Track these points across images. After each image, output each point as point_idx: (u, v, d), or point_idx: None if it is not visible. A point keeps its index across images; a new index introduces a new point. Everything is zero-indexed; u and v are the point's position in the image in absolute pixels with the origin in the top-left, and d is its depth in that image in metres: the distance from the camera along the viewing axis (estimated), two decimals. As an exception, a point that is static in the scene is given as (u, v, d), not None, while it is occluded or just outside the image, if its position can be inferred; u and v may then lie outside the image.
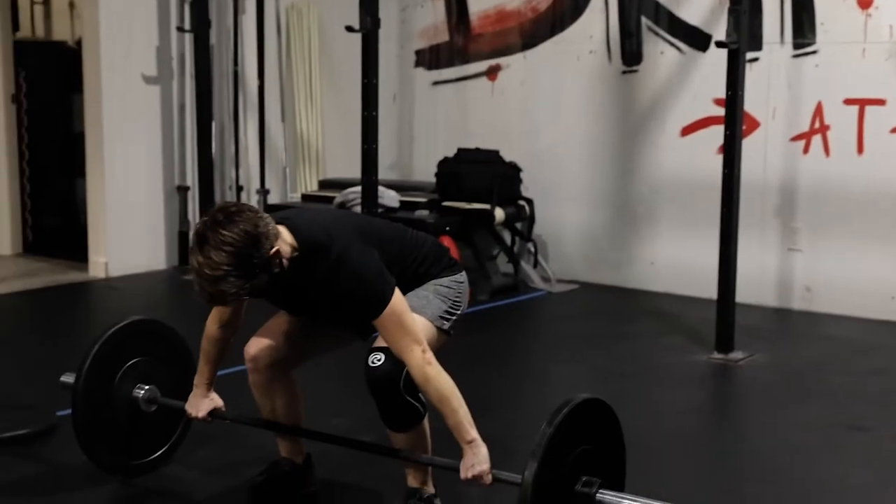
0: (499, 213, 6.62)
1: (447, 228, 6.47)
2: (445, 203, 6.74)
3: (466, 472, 2.89)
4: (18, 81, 7.46)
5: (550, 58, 6.97)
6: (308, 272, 2.94)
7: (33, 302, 6.41)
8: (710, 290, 5.51)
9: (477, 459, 2.88)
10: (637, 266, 6.76)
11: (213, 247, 2.72)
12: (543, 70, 7.01)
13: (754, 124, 6.14)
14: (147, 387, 3.48)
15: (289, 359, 3.29)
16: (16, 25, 7.64)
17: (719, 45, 5.13)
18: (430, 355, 2.90)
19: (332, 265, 2.92)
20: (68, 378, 3.45)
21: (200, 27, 7.01)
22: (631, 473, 2.99)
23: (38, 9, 8.56)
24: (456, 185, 6.84)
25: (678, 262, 6.56)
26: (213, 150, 7.19)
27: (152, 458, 3.59)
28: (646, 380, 4.98)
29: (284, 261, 2.87)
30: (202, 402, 3.35)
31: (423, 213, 6.63)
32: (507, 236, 6.97)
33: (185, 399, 3.38)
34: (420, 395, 3.01)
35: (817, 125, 6.07)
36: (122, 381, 3.45)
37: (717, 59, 5.71)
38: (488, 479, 2.88)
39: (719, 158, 5.32)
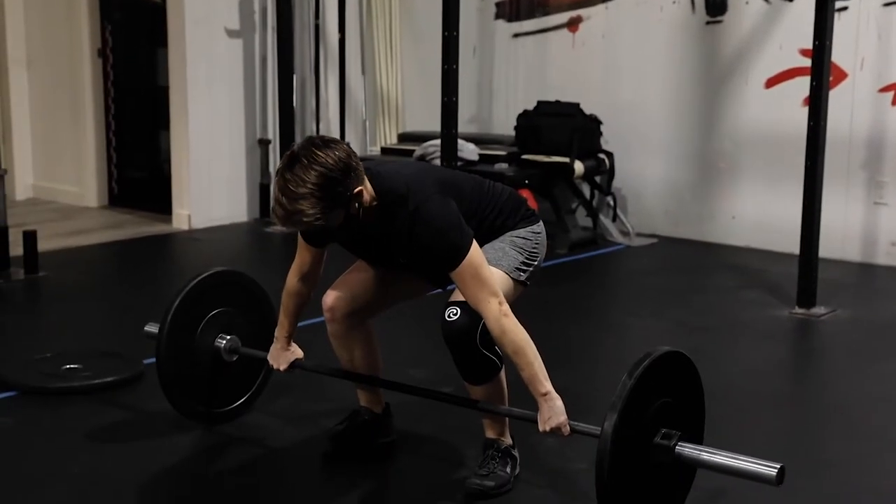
0: (578, 167, 6.58)
1: (526, 181, 6.45)
2: (525, 156, 6.72)
3: (545, 424, 2.90)
4: (104, 35, 7.57)
5: (632, 9, 6.87)
6: (386, 223, 2.97)
7: (119, 253, 6.54)
8: (792, 245, 5.43)
9: (553, 412, 2.90)
10: (718, 220, 6.68)
11: (305, 165, 2.76)
12: (625, 21, 6.91)
13: (842, 75, 6.01)
14: (229, 336, 3.54)
15: (366, 308, 3.31)
16: (101, -20, 7.73)
17: (806, -6, 5.02)
18: (506, 307, 2.91)
19: (410, 216, 2.93)
20: (152, 328, 3.52)
21: (282, -19, 7.04)
22: (711, 428, 2.98)
23: (123, -37, 8.67)
24: (535, 139, 6.80)
25: (760, 216, 6.47)
26: (295, 103, 7.24)
27: (234, 407, 3.66)
28: (726, 335, 4.94)
29: (364, 206, 2.89)
30: (283, 355, 3.40)
31: (503, 166, 6.62)
32: (586, 190, 6.93)
33: (267, 348, 3.44)
34: (496, 347, 3.03)
35: (907, 76, 5.92)
36: (204, 331, 3.51)
37: (803, 8, 5.58)
38: (566, 430, 2.90)
39: (804, 110, 5.22)
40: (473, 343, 3.00)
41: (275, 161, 7.30)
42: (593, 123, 6.82)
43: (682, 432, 2.79)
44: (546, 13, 7.23)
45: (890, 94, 5.96)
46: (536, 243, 3.21)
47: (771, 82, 6.37)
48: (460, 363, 3.06)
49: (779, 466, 2.68)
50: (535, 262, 3.20)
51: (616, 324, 5.25)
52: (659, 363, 2.76)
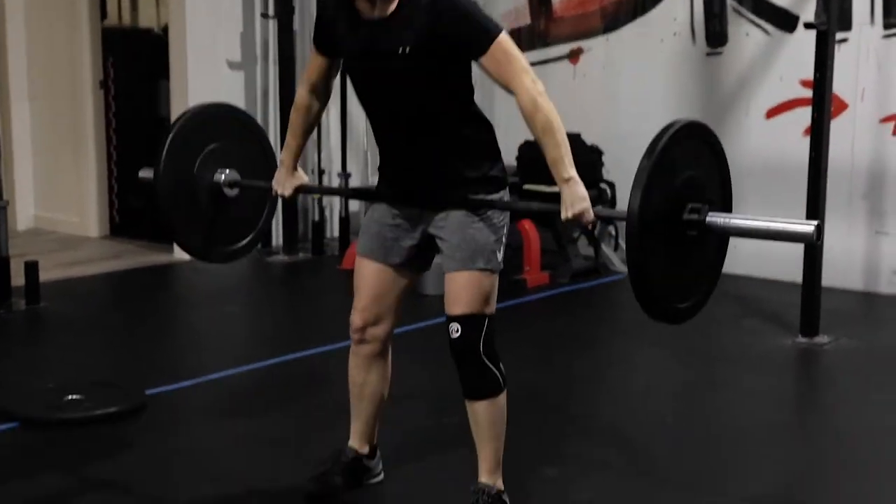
0: (580, 197, 6.57)
1: (528, 212, 6.45)
2: (526, 186, 6.72)
3: (567, 210, 2.84)
4: (106, 68, 7.59)
5: (633, 40, 6.90)
6: (406, 12, 2.90)
7: (119, 284, 6.52)
8: (794, 274, 5.42)
9: (576, 198, 2.84)
10: (720, 250, 6.66)
11: None
12: (626, 53, 6.94)
13: (842, 106, 6.02)
14: (228, 170, 3.40)
15: (390, 312, 3.24)
16: (104, 14, 7.76)
17: (808, 26, 5.04)
18: (540, 86, 2.90)
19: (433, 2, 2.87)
20: (147, 172, 3.39)
21: (284, 13, 7.06)
22: (718, 462, 2.95)
23: (126, -4, 8.71)
24: (537, 168, 6.74)
25: (762, 244, 6.41)
26: (296, 134, 7.23)
27: (241, 245, 3.55)
28: (730, 364, 4.92)
29: None
30: (288, 179, 3.30)
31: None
32: (588, 220, 6.91)
33: (267, 182, 3.34)
34: (500, 364, 3.06)
35: (908, 106, 5.94)
36: (202, 166, 3.37)
37: (804, 39, 5.60)
38: (590, 216, 2.84)
39: (806, 141, 5.23)
40: (478, 353, 3.04)
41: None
42: (594, 154, 6.83)
43: (710, 204, 2.72)
44: (546, 45, 7.25)
45: (891, 125, 5.97)
46: (504, 222, 3.13)
47: (771, 113, 6.38)
48: (465, 376, 3.08)
49: (815, 223, 2.62)
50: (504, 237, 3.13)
51: (619, 354, 5.23)
52: (678, 136, 2.69)
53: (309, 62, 3.21)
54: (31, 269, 5.63)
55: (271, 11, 7.14)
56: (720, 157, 2.87)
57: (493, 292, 3.08)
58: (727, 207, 2.83)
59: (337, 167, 7.47)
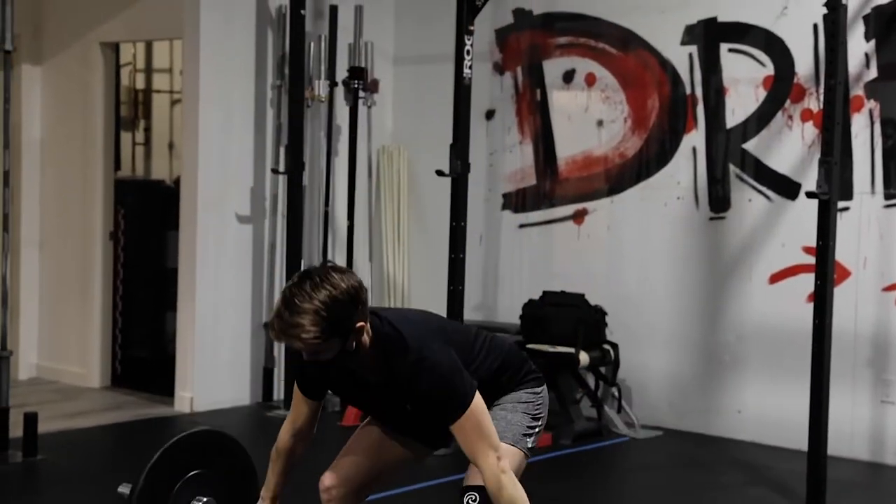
0: (583, 357, 6.58)
1: (531, 372, 6.43)
2: (530, 345, 6.72)
3: None
4: (117, 219, 7.68)
5: (637, 203, 6.99)
6: (385, 370, 2.95)
7: (119, 437, 6.46)
8: (799, 442, 5.37)
9: None
10: (724, 414, 6.63)
11: (317, 283, 2.77)
12: (630, 215, 7.03)
13: (845, 273, 6.06)
14: (205, 499, 3.39)
15: (366, 486, 3.25)
16: (118, 165, 7.90)
17: (810, 195, 5.11)
18: (504, 463, 2.89)
19: (411, 366, 2.91)
20: (125, 489, 3.37)
21: (294, 169, 7.17)
22: None
23: (140, 149, 8.90)
24: (541, 328, 6.82)
25: (766, 411, 6.42)
26: (301, 288, 7.27)
27: None
28: (734, 535, 4.84)
29: (361, 346, 2.87)
30: None
31: (508, 355, 6.60)
32: (591, 380, 6.90)
33: None
34: None
35: (910, 275, 5.98)
36: (180, 492, 3.35)
37: (806, 206, 5.68)
38: None
39: (809, 307, 5.25)
40: None
41: (279, 346, 7.31)
42: (598, 314, 6.85)
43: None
44: (552, 205, 7.35)
45: (893, 294, 6.00)
46: (539, 404, 3.18)
47: (775, 278, 6.42)
48: None
49: None
50: (539, 425, 3.17)
51: (622, 521, 5.15)
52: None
53: (293, 407, 3.22)
54: (31, 420, 5.59)
55: (281, 167, 7.26)
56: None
57: (517, 471, 3.03)
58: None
59: (341, 322, 7.49)
